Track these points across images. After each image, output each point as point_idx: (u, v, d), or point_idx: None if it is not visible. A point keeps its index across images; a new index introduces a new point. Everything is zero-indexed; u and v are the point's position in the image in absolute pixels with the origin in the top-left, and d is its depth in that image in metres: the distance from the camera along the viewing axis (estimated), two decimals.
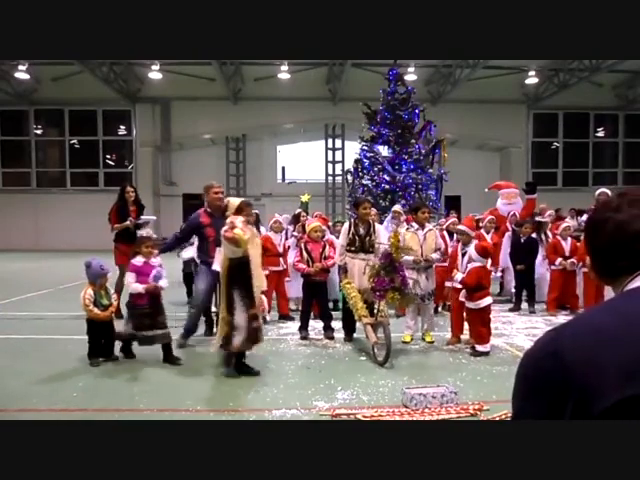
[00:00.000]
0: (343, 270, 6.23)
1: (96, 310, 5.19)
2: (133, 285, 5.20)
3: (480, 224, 8.70)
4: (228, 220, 4.83)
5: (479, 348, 5.61)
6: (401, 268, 5.52)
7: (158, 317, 5.28)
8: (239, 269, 4.77)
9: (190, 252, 7.10)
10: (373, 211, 8.11)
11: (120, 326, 5.53)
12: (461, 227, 6.33)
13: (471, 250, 5.76)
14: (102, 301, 5.28)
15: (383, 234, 6.27)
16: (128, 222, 7.53)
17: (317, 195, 20.53)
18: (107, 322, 5.33)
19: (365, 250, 6.09)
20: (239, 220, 4.79)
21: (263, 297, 5.14)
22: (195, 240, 6.66)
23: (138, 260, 5.32)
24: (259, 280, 4.94)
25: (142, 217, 7.80)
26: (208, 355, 5.71)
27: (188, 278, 8.24)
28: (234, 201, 5.12)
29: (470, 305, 5.68)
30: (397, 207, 8.56)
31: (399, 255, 5.44)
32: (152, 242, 5.63)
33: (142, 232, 5.66)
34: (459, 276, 5.80)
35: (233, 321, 4.76)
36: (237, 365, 4.96)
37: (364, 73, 19.65)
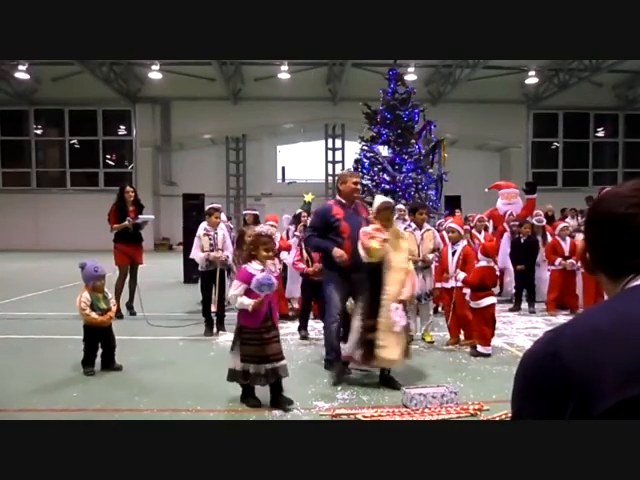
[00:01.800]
0: None
1: (93, 314, 4.89)
2: (240, 299, 3.99)
3: (470, 224, 8.70)
4: (371, 227, 4.52)
5: (480, 349, 5.61)
6: None
7: (274, 343, 4.10)
8: (370, 274, 4.47)
9: (199, 252, 6.65)
10: None
11: (121, 328, 5.40)
12: (452, 225, 6.32)
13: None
14: (99, 304, 4.96)
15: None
16: (126, 222, 7.52)
17: (317, 195, 20.52)
18: (105, 328, 5.03)
19: None
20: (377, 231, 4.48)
21: (396, 305, 4.47)
22: (196, 239, 6.62)
23: (253, 267, 4.10)
24: (395, 287, 4.44)
25: (139, 217, 7.76)
26: (208, 355, 5.72)
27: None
28: (378, 200, 4.70)
29: (472, 304, 5.69)
30: (401, 206, 8.55)
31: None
32: (274, 243, 4.43)
33: (262, 228, 4.46)
34: (461, 275, 5.81)
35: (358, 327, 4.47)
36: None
37: (364, 73, 19.63)
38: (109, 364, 5.06)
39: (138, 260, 7.80)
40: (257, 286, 3.91)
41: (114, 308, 5.24)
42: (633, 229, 0.94)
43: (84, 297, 4.92)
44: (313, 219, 5.32)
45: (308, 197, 9.73)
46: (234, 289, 4.06)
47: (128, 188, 7.83)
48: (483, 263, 5.70)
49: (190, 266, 9.60)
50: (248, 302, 3.94)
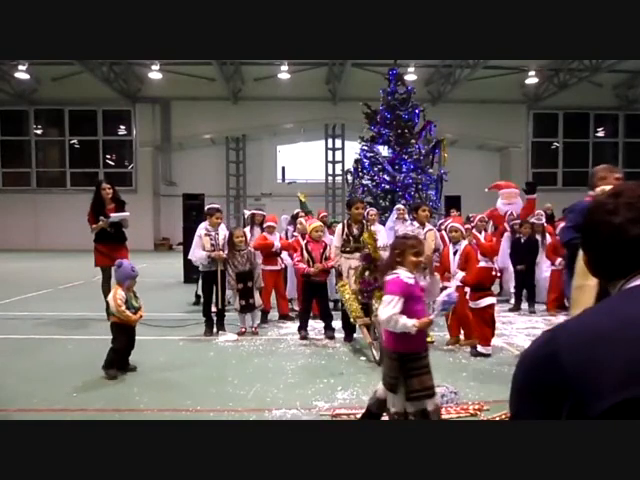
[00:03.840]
0: (337, 272, 6.22)
1: (128, 312, 4.84)
2: (402, 320, 2.94)
3: (471, 224, 8.69)
4: None
5: (480, 349, 5.61)
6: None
7: (428, 374, 3.14)
8: None
9: (199, 251, 6.52)
10: (373, 211, 8.12)
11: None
12: (454, 224, 6.31)
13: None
14: (133, 303, 4.92)
15: (381, 235, 6.27)
16: (101, 222, 7.07)
17: (317, 195, 20.54)
18: (133, 327, 4.98)
19: (360, 250, 6.09)
20: None
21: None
22: (196, 239, 6.60)
23: (407, 276, 3.10)
24: None
25: (112, 215, 7.16)
26: (208, 355, 5.72)
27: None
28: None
29: (471, 304, 5.70)
30: (400, 206, 8.53)
31: (378, 254, 5.43)
32: (423, 246, 3.31)
33: (407, 230, 3.63)
34: (460, 274, 5.82)
35: None
36: None
37: (364, 73, 19.64)
38: (125, 365, 4.99)
39: None
40: (446, 305, 3.24)
41: (143, 307, 5.13)
42: (613, 237, 0.97)
43: (120, 295, 4.84)
44: (575, 218, 4.12)
45: (302, 196, 9.62)
46: (390, 307, 2.95)
47: (104, 185, 7.31)
48: (482, 263, 5.71)
49: (190, 266, 9.56)
50: (412, 322, 2.91)
